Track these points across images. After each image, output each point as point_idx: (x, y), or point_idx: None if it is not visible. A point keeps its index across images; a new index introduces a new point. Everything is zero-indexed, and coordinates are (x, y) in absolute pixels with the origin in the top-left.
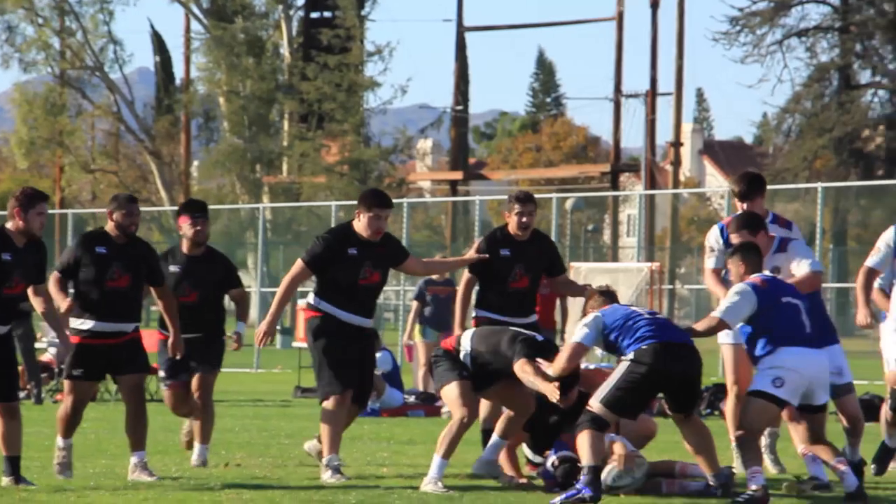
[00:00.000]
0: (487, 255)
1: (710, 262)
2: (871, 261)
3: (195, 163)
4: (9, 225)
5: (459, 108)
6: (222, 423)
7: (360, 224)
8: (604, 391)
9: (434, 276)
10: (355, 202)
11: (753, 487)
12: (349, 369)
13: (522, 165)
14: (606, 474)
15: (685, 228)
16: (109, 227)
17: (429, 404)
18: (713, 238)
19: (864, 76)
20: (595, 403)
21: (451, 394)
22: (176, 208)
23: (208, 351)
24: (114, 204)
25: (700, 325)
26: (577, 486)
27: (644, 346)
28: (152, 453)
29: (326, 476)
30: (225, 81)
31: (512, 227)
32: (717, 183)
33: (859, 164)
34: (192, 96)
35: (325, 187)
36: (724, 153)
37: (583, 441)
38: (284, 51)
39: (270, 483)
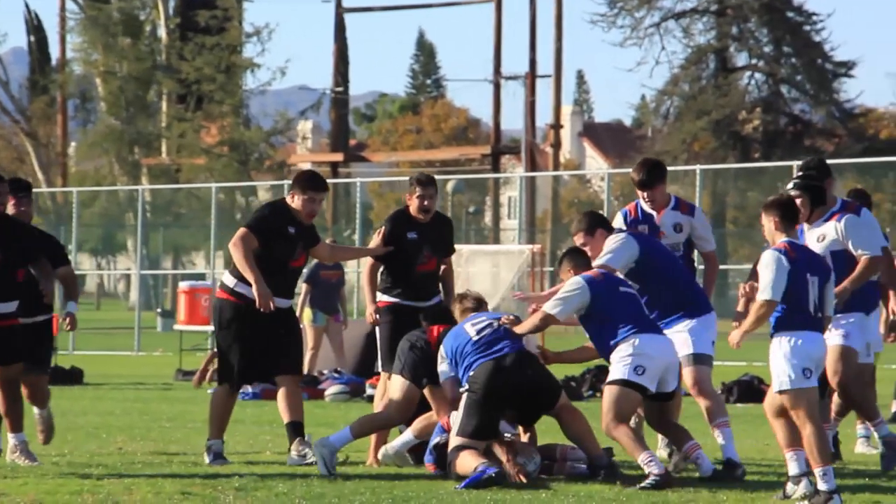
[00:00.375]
0: (392, 248)
1: None
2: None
3: (72, 144)
4: None
5: (339, 89)
6: (103, 406)
7: (295, 205)
8: (457, 424)
9: None
10: (235, 184)
11: (656, 472)
12: (253, 362)
13: (403, 147)
14: None
15: (566, 211)
16: None
17: (312, 387)
18: (617, 224)
19: (741, 59)
20: (455, 438)
21: (399, 392)
22: (53, 190)
23: (37, 345)
24: None
25: (525, 325)
26: (479, 468)
27: (472, 372)
28: (32, 438)
29: (208, 460)
30: (101, 62)
31: (413, 210)
32: (597, 165)
33: (737, 146)
34: (67, 77)
35: (205, 169)
36: (604, 135)
37: (462, 459)
38: (162, 31)
39: (152, 467)
